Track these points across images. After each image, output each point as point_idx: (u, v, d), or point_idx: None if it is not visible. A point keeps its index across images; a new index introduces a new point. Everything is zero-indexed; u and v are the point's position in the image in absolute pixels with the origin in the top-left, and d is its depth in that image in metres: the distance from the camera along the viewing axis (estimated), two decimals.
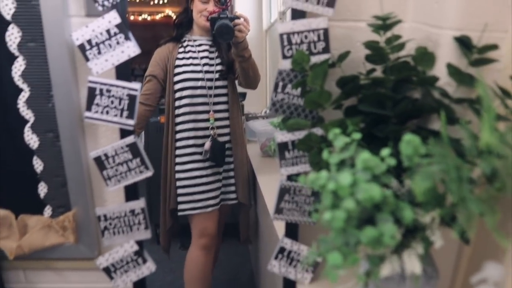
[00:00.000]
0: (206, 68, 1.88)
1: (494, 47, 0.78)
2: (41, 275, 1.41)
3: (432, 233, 0.70)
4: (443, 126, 0.64)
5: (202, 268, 2.03)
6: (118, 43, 0.99)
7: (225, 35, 1.69)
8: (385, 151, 0.66)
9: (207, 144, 1.88)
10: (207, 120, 1.90)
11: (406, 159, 0.64)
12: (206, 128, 1.91)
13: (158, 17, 8.46)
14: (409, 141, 0.63)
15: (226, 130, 1.97)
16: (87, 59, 0.99)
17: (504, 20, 0.82)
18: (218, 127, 1.93)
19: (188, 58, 1.88)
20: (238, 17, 1.72)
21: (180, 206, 1.94)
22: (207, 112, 1.90)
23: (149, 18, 8.49)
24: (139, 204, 1.13)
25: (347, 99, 0.86)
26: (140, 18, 8.45)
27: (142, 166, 1.08)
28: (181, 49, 1.90)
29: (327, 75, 0.84)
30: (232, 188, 2.04)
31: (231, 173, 2.03)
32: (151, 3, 8.13)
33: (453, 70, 0.78)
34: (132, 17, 8.27)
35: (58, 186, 1.25)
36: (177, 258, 3.09)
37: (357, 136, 0.71)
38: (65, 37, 1.09)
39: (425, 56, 0.79)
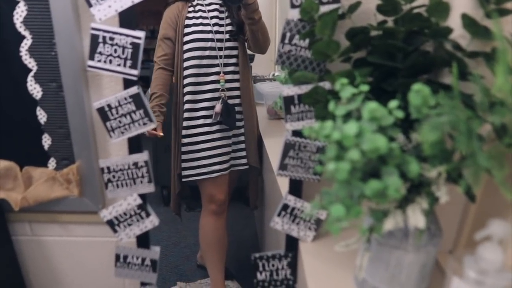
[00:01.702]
0: (216, 28, 1.83)
1: None
2: (46, 228, 1.42)
3: (438, 189, 0.69)
4: (455, 79, 0.62)
5: (215, 233, 2.06)
6: None
7: None
8: (393, 103, 0.64)
9: (218, 106, 1.85)
10: (216, 81, 1.87)
11: (415, 110, 0.62)
12: (215, 90, 1.87)
13: None
14: (418, 91, 0.61)
15: (236, 93, 1.93)
16: (89, 5, 0.96)
17: None
18: (228, 89, 1.89)
19: (198, 18, 1.83)
20: None
21: (185, 172, 1.93)
22: (217, 73, 1.86)
23: None
24: (143, 156, 1.12)
25: (356, 51, 0.83)
26: None
27: (146, 118, 1.06)
28: (191, 8, 1.85)
29: (336, 25, 0.81)
30: (243, 153, 2.02)
31: (242, 138, 2.00)
32: None
33: (468, 21, 0.75)
34: None
35: (62, 137, 1.24)
36: (183, 220, 3.14)
37: (365, 88, 0.69)
38: None
39: (439, 7, 0.76)
